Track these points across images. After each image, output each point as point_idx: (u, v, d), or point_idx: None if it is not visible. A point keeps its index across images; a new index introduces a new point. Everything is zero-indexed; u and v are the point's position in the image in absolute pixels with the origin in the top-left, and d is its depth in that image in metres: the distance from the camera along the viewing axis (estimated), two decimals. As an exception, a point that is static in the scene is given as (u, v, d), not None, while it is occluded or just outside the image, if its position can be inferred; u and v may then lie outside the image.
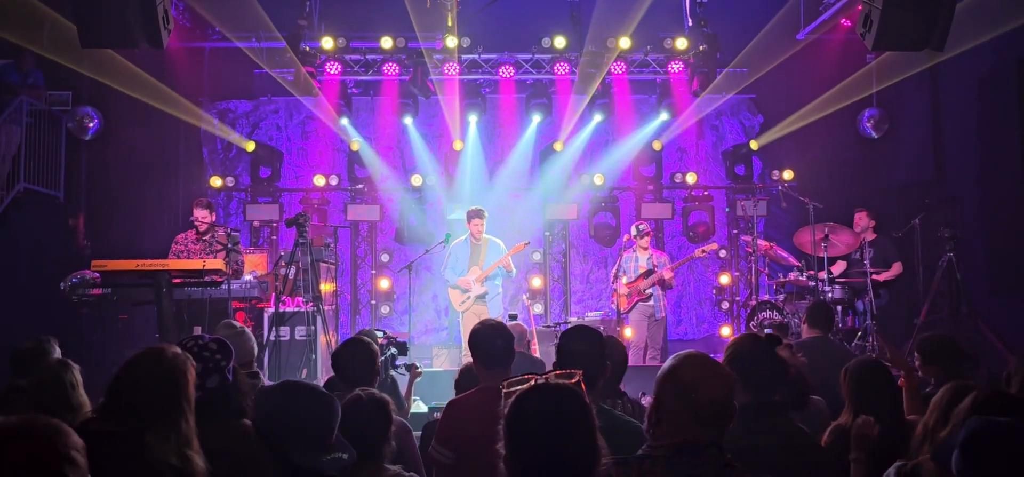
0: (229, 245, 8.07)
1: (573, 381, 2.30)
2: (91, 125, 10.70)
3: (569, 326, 3.74)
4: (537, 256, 11.97)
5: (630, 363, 9.03)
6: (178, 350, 2.96)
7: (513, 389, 2.26)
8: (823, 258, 9.30)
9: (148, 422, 2.73)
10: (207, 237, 8.64)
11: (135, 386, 2.83)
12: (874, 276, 9.31)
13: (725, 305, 11.81)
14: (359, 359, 4.24)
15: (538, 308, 11.23)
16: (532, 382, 2.27)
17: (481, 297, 9.39)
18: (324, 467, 2.79)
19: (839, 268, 9.79)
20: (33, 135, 10.19)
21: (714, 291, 12.27)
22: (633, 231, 9.73)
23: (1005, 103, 9.55)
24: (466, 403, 3.93)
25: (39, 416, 1.72)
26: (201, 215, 8.62)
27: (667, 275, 9.71)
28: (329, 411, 2.85)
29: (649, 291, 9.56)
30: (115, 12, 6.54)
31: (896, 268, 9.61)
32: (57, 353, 4.57)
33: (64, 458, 1.65)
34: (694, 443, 2.35)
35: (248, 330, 4.73)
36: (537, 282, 11.73)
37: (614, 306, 9.78)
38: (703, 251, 10.02)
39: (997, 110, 9.74)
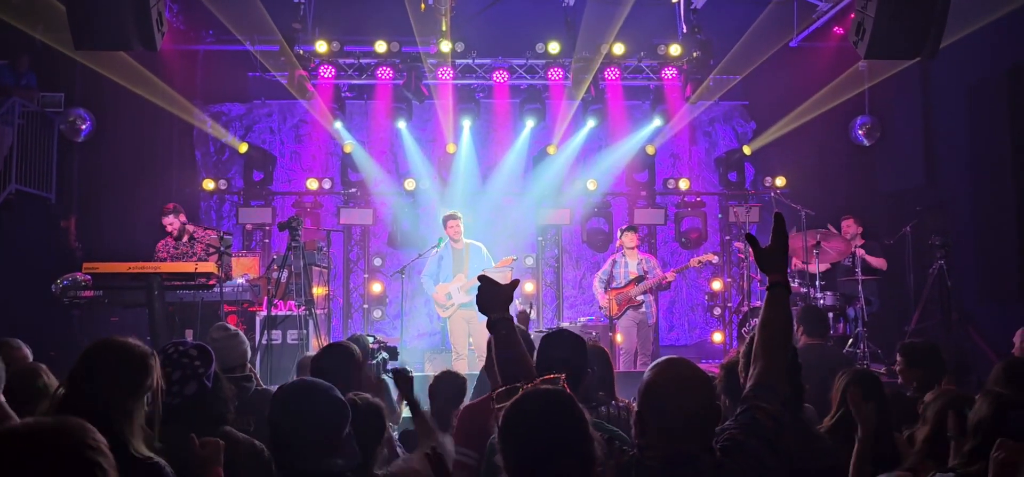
0: (221, 248, 8.05)
1: (558, 385, 2.31)
2: (83, 127, 10.67)
3: (548, 331, 3.74)
4: (530, 261, 11.97)
5: (621, 368, 9.13)
6: (140, 345, 2.94)
7: (502, 400, 2.26)
8: (814, 266, 9.34)
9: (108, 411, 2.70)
10: (184, 241, 8.63)
11: (95, 376, 2.80)
12: (869, 259, 9.58)
13: (717, 311, 11.84)
14: (342, 367, 4.23)
15: (531, 313, 11.23)
16: (520, 390, 2.28)
17: (467, 304, 9.16)
18: (335, 469, 2.79)
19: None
20: (25, 136, 10.16)
21: (706, 297, 12.30)
22: (619, 234, 9.74)
23: (996, 111, 9.61)
24: (484, 406, 3.94)
25: (70, 417, 1.76)
26: (169, 222, 8.61)
27: (670, 276, 9.75)
28: (341, 411, 2.84)
29: (640, 297, 9.56)
30: (109, 14, 6.53)
31: (883, 262, 9.74)
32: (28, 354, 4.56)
33: (96, 450, 1.71)
34: (685, 453, 2.34)
35: (241, 332, 4.70)
36: (529, 287, 11.72)
37: (603, 311, 9.78)
38: (699, 261, 10.00)
39: (988, 118, 9.80)
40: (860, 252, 9.59)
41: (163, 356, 3.20)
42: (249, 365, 4.70)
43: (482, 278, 2.95)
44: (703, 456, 2.34)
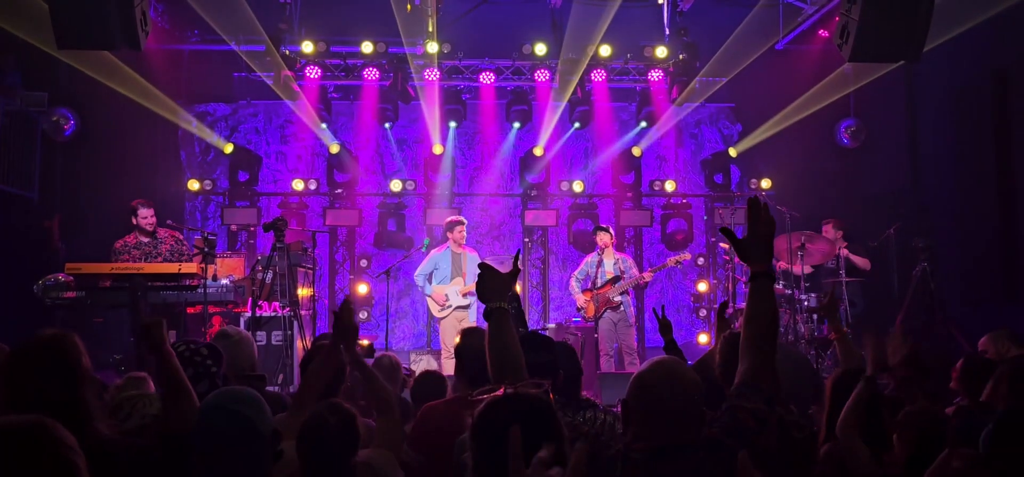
0: (205, 249, 8.01)
1: (541, 390, 2.28)
2: (67, 127, 10.57)
3: (521, 336, 3.61)
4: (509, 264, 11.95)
5: (602, 370, 9.14)
6: (54, 331, 2.90)
7: (481, 398, 2.23)
8: (800, 268, 9.38)
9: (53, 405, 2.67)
10: (146, 241, 8.53)
11: (29, 375, 2.78)
12: (853, 258, 9.73)
13: (703, 312, 11.86)
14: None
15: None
16: (501, 391, 2.24)
17: (462, 307, 9.43)
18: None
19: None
20: (7, 135, 10.05)
21: (692, 298, 12.32)
22: (594, 235, 9.80)
23: (980, 114, 9.67)
24: (443, 410, 3.90)
25: (46, 417, 1.74)
26: (148, 213, 8.53)
27: (647, 276, 9.81)
28: (232, 429, 2.71)
29: (618, 298, 9.58)
30: (92, 13, 6.49)
31: (866, 262, 9.81)
32: None
33: (71, 450, 1.70)
34: (670, 447, 2.35)
35: (247, 334, 4.61)
36: (515, 288, 11.70)
37: (581, 312, 9.81)
38: (677, 261, 10.04)
39: (972, 121, 9.86)
40: (844, 252, 9.64)
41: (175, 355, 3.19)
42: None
43: (482, 265, 2.92)
44: (687, 452, 2.34)
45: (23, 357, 2.83)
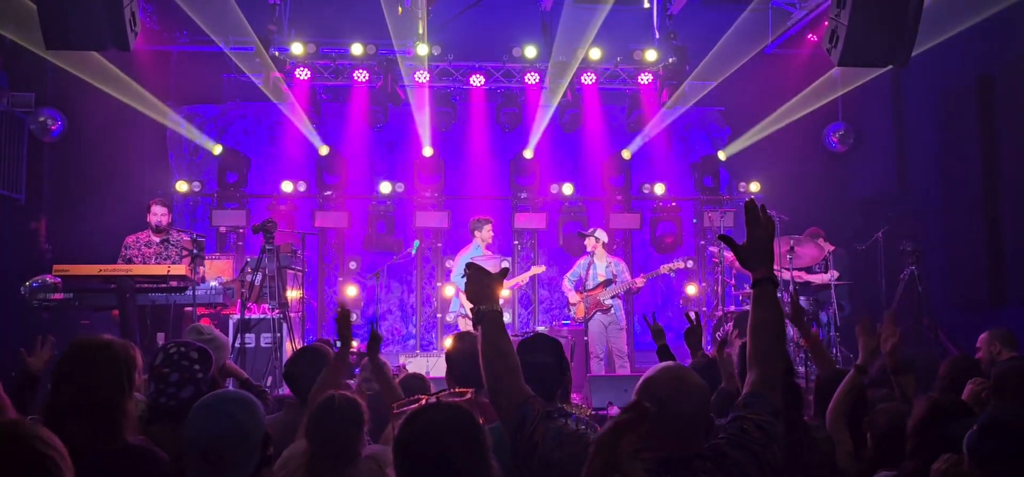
0: (194, 251, 7.98)
1: (464, 399, 2.27)
2: (54, 127, 10.51)
3: (524, 336, 3.53)
4: (506, 265, 11.97)
5: (592, 372, 9.13)
6: (120, 341, 2.97)
7: (403, 409, 2.23)
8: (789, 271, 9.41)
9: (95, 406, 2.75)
10: (158, 241, 8.50)
11: (75, 376, 2.84)
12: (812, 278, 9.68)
13: (692, 315, 11.86)
14: (314, 372, 4.18)
15: (506, 317, 11.23)
16: (422, 402, 2.24)
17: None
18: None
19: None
20: (-6, 136, 10.00)
21: (681, 301, 12.34)
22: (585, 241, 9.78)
23: (966, 118, 9.74)
24: None
25: (20, 420, 1.76)
26: (161, 211, 8.53)
27: (639, 282, 9.81)
28: (221, 430, 2.65)
29: (609, 302, 9.58)
30: (81, 14, 6.46)
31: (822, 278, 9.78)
32: None
33: (48, 445, 1.71)
34: (679, 457, 2.33)
35: (218, 335, 4.59)
36: (506, 291, 11.72)
37: (572, 314, 9.82)
38: (670, 269, 10.01)
39: (959, 125, 9.93)
40: (833, 273, 9.64)
41: (163, 354, 3.21)
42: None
43: (470, 266, 2.81)
44: (696, 461, 2.32)
45: (77, 355, 2.90)
